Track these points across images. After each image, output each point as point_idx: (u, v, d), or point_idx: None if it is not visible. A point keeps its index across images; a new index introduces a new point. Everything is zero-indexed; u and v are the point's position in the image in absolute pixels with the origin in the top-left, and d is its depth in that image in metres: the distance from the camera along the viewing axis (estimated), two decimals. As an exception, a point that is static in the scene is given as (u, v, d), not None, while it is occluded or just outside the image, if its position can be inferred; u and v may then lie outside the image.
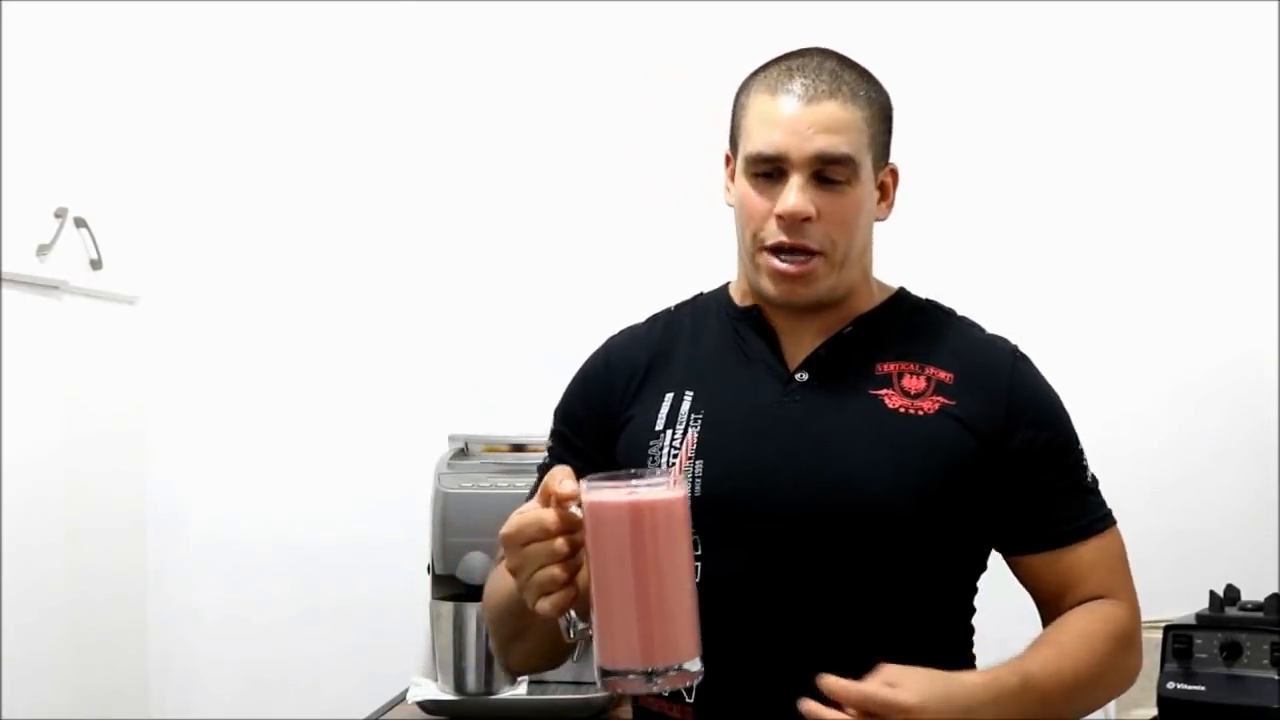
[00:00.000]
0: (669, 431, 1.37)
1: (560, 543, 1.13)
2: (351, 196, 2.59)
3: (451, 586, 2.26)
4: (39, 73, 2.24)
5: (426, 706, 2.21)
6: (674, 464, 1.34)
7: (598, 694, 2.24)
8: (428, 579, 2.29)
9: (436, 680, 2.25)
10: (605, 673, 1.12)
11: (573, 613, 1.16)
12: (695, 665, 1.12)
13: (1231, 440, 2.39)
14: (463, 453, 2.33)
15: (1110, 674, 1.35)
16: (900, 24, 2.46)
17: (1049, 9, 2.45)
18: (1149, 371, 2.41)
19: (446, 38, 2.58)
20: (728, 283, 1.50)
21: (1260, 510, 2.36)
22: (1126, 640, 1.36)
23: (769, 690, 1.33)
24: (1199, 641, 1.96)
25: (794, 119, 1.34)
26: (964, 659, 1.41)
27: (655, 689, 1.11)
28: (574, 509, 1.13)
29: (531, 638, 1.37)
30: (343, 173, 2.59)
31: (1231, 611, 2.03)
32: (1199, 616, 2.02)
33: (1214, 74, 2.42)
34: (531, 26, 2.55)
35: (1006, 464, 1.35)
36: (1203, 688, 1.95)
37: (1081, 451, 1.40)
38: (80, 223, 2.32)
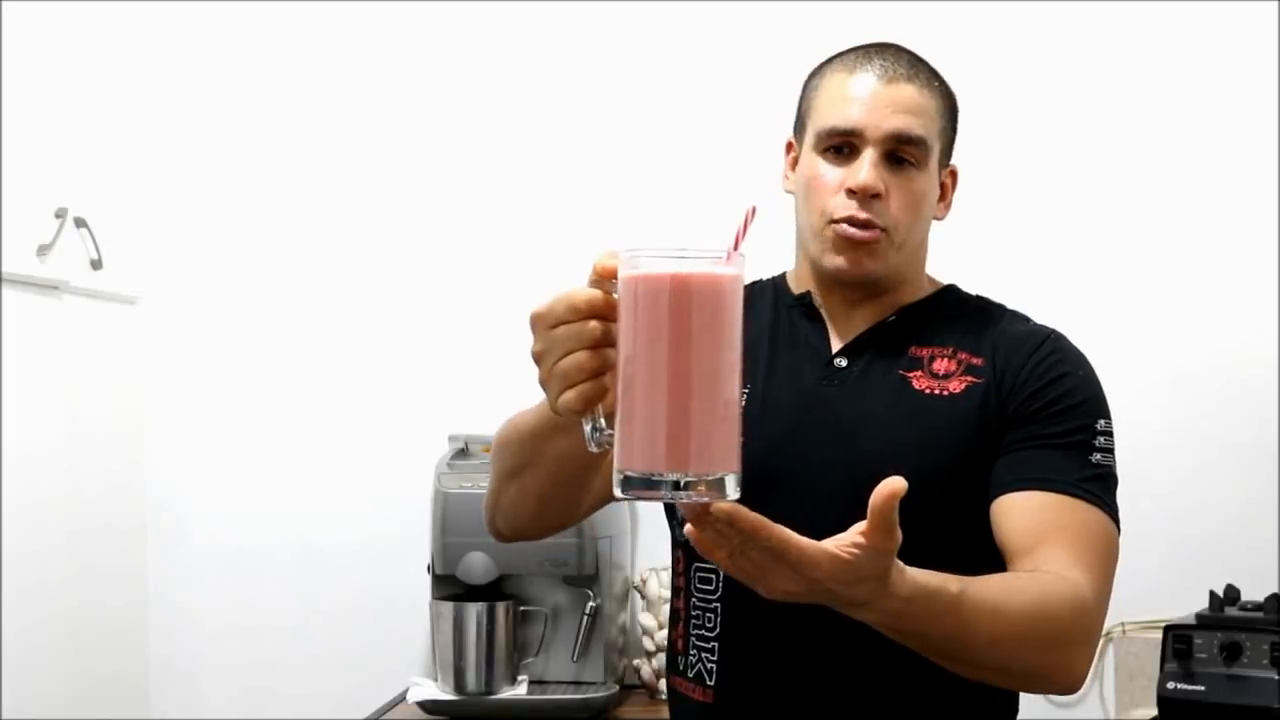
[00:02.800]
0: None
1: (593, 324, 0.99)
2: (351, 197, 2.59)
3: (451, 586, 2.26)
4: (39, 73, 2.24)
5: (426, 706, 2.21)
6: None
7: (598, 694, 2.24)
8: (428, 579, 2.29)
9: (436, 680, 2.25)
10: (626, 480, 0.94)
11: (601, 417, 1.00)
12: (732, 483, 0.94)
13: (1231, 440, 2.39)
14: (463, 453, 2.33)
15: (1030, 637, 1.17)
16: (901, 29, 2.46)
17: (1049, 9, 2.45)
18: (1148, 371, 2.41)
19: (445, 37, 2.57)
20: (784, 272, 1.50)
21: (1260, 510, 2.35)
22: (1054, 617, 1.19)
23: (790, 675, 1.33)
24: (1199, 641, 1.97)
25: (872, 96, 1.35)
26: None
27: (681, 500, 0.94)
28: (615, 294, 0.97)
29: (536, 473, 1.27)
30: (342, 173, 2.59)
31: (1231, 611, 2.04)
32: (1199, 616, 2.02)
33: (1214, 70, 2.42)
34: (535, 23, 2.55)
35: (1007, 425, 1.33)
36: (1203, 688, 1.95)
37: (1096, 434, 1.33)
38: (80, 223, 2.32)
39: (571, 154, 2.54)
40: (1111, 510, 1.32)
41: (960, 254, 2.38)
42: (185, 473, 2.59)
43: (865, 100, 1.35)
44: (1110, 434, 1.35)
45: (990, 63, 2.45)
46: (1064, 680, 1.23)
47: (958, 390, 1.35)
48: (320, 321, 2.59)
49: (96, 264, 2.37)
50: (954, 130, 1.43)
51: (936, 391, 1.35)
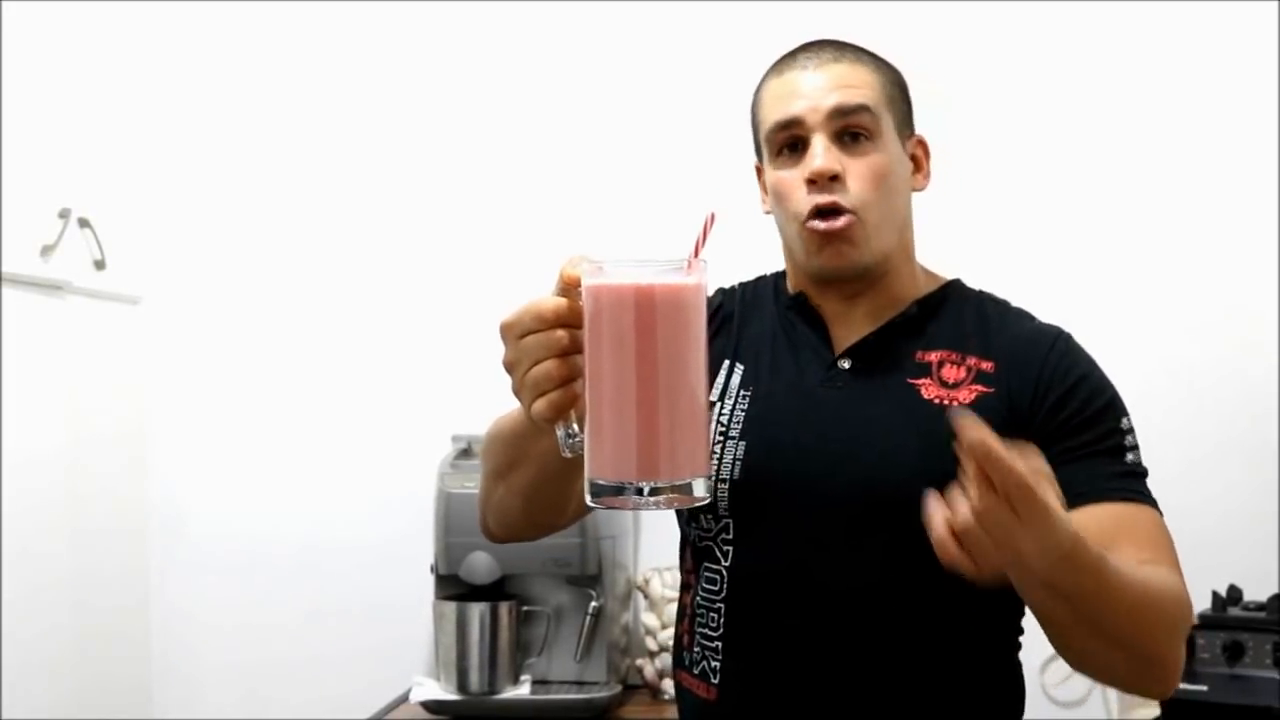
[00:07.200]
0: (719, 404, 1.37)
1: (560, 333, 1.01)
2: (353, 197, 2.59)
3: (454, 586, 2.26)
4: (41, 73, 2.24)
5: (429, 706, 2.21)
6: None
7: (600, 694, 2.25)
8: (431, 579, 2.30)
9: (439, 680, 2.25)
10: (596, 488, 0.96)
11: (574, 423, 1.01)
12: (701, 487, 0.95)
13: (1233, 439, 2.39)
14: (466, 453, 2.33)
15: (1162, 616, 1.20)
16: (904, 28, 2.46)
17: (1054, 8, 2.46)
18: (1148, 370, 2.40)
19: (446, 37, 2.58)
20: (783, 270, 1.49)
21: (1262, 510, 2.35)
22: (1176, 600, 1.23)
23: (792, 677, 1.33)
24: (1201, 641, 1.97)
25: (806, 86, 1.36)
26: (1007, 648, 1.38)
27: (652, 508, 0.95)
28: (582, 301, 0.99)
29: (522, 472, 1.29)
30: (344, 173, 2.60)
31: (1234, 612, 2.05)
32: (1201, 617, 2.02)
33: (1213, 70, 2.42)
34: (540, 24, 2.56)
35: (1036, 439, 1.29)
36: (1205, 688, 1.95)
37: (1124, 434, 1.34)
38: (84, 223, 2.32)
39: (573, 155, 2.54)
40: (1154, 502, 1.33)
41: (959, 249, 2.39)
42: (188, 473, 2.60)
43: (799, 89, 1.36)
44: (1133, 429, 1.35)
45: (993, 60, 2.46)
46: (1172, 671, 1.24)
47: (968, 400, 1.33)
48: (323, 322, 2.59)
49: (99, 264, 2.38)
50: (906, 101, 1.42)
51: (946, 401, 1.33)
